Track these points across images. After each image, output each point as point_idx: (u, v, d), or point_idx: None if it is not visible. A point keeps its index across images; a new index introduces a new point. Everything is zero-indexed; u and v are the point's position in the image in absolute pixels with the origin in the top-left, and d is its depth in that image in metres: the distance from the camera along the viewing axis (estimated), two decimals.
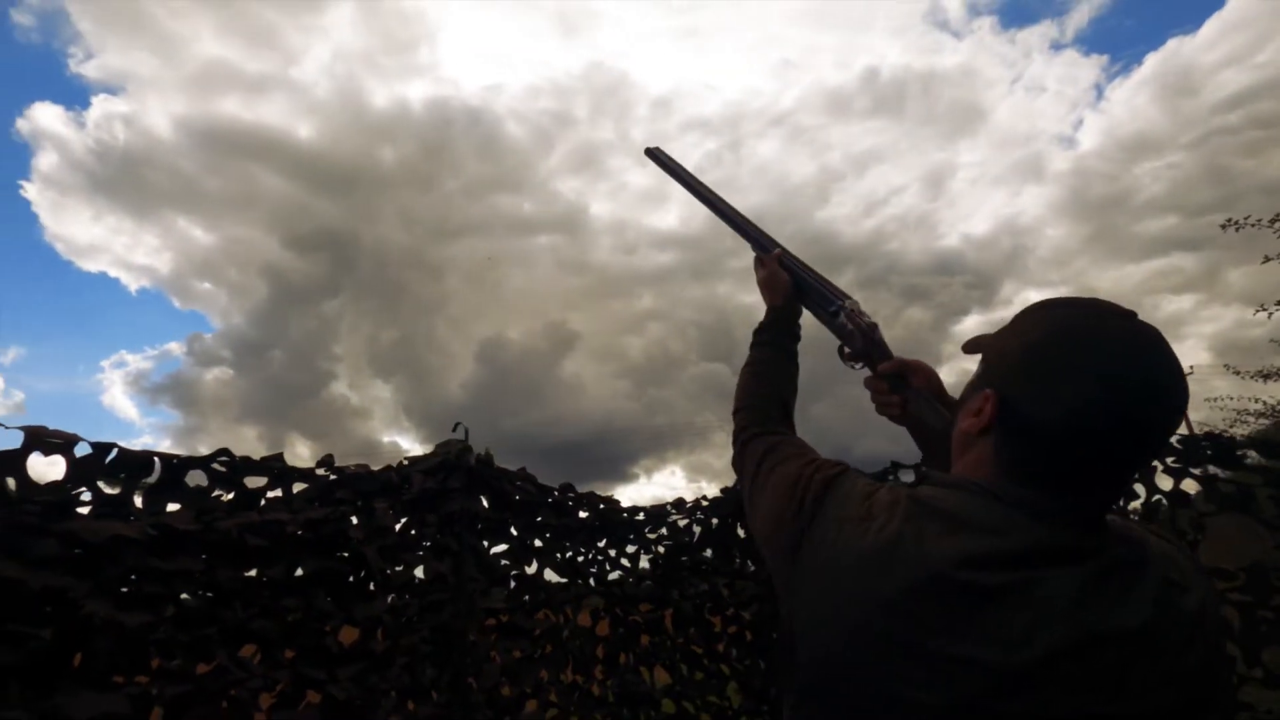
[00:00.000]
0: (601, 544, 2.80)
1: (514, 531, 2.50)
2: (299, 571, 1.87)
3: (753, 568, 3.17)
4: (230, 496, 1.85)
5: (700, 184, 1.34)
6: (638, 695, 2.65)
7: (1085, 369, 0.61)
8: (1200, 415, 10.47)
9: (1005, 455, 0.65)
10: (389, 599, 2.07)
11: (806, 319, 1.13)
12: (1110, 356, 0.61)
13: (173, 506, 1.72)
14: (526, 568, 2.51)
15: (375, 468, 2.17)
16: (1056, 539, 0.61)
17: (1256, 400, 9.91)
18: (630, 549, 2.88)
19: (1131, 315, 0.64)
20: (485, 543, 2.39)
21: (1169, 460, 2.65)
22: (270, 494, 1.93)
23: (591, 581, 2.73)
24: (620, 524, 2.85)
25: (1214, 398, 10.24)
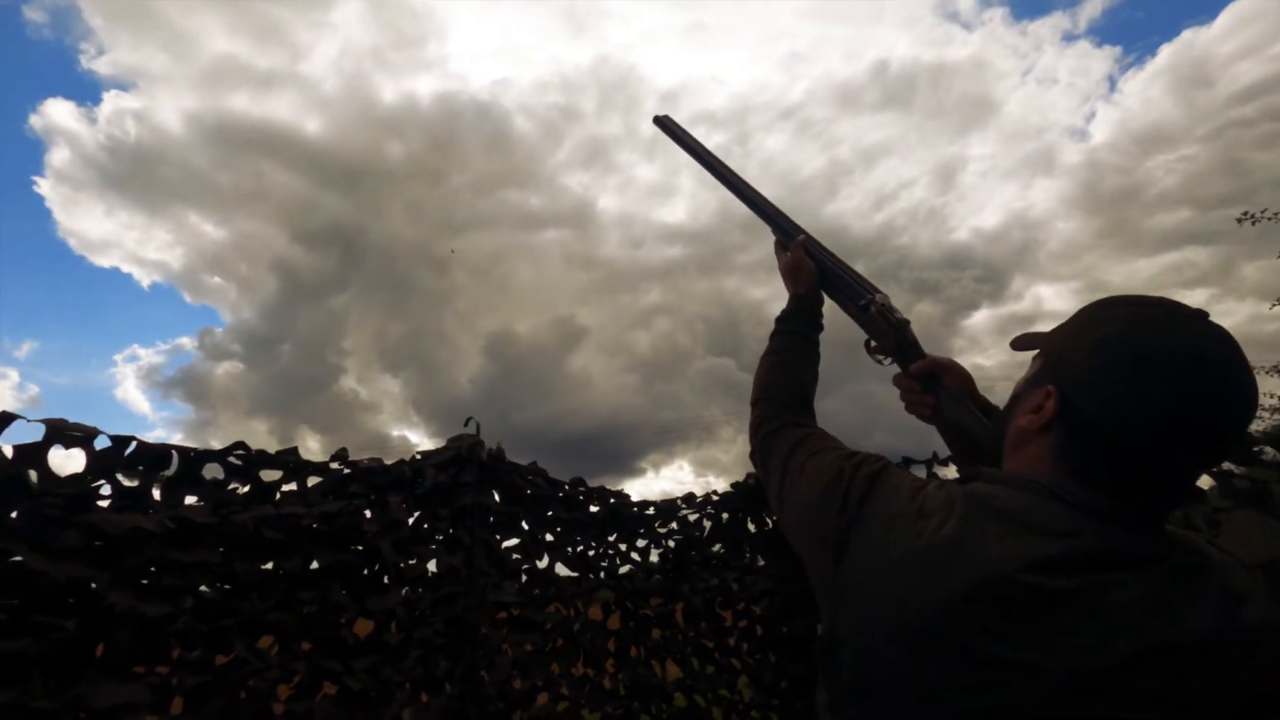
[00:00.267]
0: (612, 538, 2.81)
1: (525, 525, 2.51)
2: (314, 564, 1.90)
3: (762, 563, 3.17)
4: (246, 490, 1.87)
5: (715, 159, 1.24)
6: (649, 688, 2.66)
7: (1155, 369, 0.59)
8: None
9: (1066, 453, 0.63)
10: (403, 592, 2.09)
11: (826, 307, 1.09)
12: (1181, 357, 0.58)
13: (190, 499, 1.74)
14: (538, 561, 2.52)
15: (387, 462, 2.19)
16: (1125, 543, 0.59)
17: (1272, 396, 9.89)
18: (641, 543, 2.89)
19: (1203, 316, 0.62)
20: (497, 536, 2.41)
21: None
22: (285, 487, 1.95)
23: (602, 575, 2.74)
24: (631, 518, 2.86)
25: None
